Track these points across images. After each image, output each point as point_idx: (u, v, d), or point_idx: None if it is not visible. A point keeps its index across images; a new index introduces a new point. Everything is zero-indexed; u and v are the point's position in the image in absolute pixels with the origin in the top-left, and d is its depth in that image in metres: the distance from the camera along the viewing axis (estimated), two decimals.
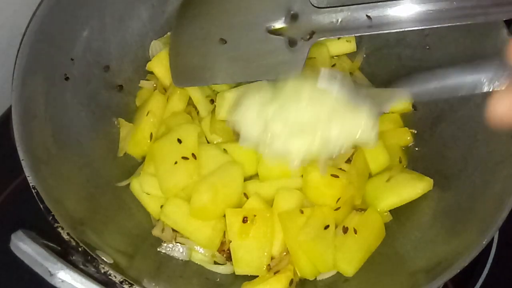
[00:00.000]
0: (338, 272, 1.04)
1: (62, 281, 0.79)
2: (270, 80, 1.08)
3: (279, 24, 1.09)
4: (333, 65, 1.23)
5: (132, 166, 1.15)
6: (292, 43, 1.08)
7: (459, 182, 1.06)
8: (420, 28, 1.02)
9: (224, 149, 1.08)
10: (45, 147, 0.99)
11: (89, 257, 0.86)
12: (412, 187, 1.08)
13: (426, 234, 1.04)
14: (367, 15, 1.04)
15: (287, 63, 1.07)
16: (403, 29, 1.03)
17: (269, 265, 1.03)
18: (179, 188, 1.05)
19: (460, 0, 0.98)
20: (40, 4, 1.04)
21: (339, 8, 1.06)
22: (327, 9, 1.07)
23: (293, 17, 1.09)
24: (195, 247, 1.07)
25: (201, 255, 1.07)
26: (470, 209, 1.00)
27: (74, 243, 0.87)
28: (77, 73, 1.11)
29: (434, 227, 1.04)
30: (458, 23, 0.99)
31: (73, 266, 0.82)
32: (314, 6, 1.08)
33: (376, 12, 1.03)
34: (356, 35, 1.19)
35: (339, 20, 1.06)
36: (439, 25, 1.00)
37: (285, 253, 1.05)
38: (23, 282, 1.11)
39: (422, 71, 0.83)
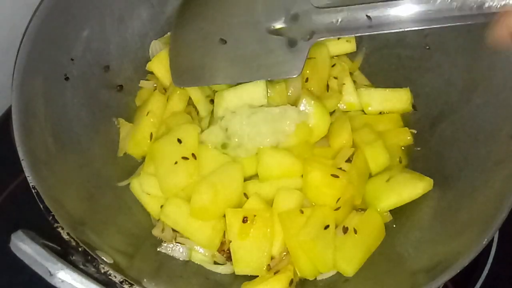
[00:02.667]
0: (338, 272, 1.04)
1: (62, 281, 0.79)
2: (270, 80, 1.09)
3: (279, 24, 1.09)
4: (333, 65, 1.23)
5: (132, 166, 1.15)
6: (292, 43, 1.08)
7: (459, 182, 1.06)
8: (420, 28, 1.02)
9: None
10: (45, 147, 0.99)
11: (89, 257, 0.86)
12: (412, 187, 1.08)
13: (426, 234, 1.04)
14: (367, 15, 1.03)
15: (287, 63, 1.07)
16: (403, 29, 1.03)
17: (269, 265, 1.03)
18: (179, 188, 1.05)
19: (460, 0, 0.98)
20: (40, 4, 1.05)
21: (339, 8, 1.06)
22: (327, 9, 1.07)
23: (293, 17, 1.09)
24: (195, 247, 1.07)
25: (201, 255, 1.07)
26: (470, 209, 1.00)
27: (74, 243, 0.87)
28: (77, 73, 1.12)
29: (434, 227, 1.04)
30: (458, 23, 0.99)
31: (73, 266, 0.82)
32: (314, 6, 1.08)
33: (376, 12, 1.03)
34: (356, 35, 1.19)
35: (339, 20, 1.06)
36: (439, 25, 1.00)
37: (285, 253, 1.05)
38: (23, 282, 1.11)
39: None
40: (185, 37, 1.13)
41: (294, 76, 1.08)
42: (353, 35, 1.22)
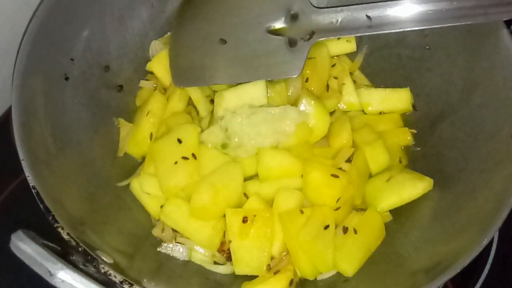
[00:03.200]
0: (338, 272, 1.04)
1: (62, 281, 0.79)
2: (270, 80, 1.09)
3: (279, 24, 1.09)
4: (333, 65, 1.23)
5: (132, 166, 1.15)
6: (292, 43, 1.08)
7: (459, 182, 1.06)
8: (420, 28, 1.02)
9: None
10: (45, 147, 0.99)
11: (89, 257, 0.86)
12: (412, 187, 1.08)
13: (426, 234, 1.05)
14: (367, 15, 1.04)
15: (287, 63, 1.07)
16: (403, 29, 1.03)
17: (269, 265, 1.03)
18: (179, 188, 1.05)
19: (460, 0, 0.98)
20: (40, 4, 1.05)
21: (339, 8, 1.06)
22: (327, 9, 1.07)
23: (293, 17, 1.09)
24: (195, 247, 1.07)
25: (201, 255, 1.07)
26: (470, 209, 1.00)
27: (74, 243, 0.87)
28: (77, 73, 1.11)
29: (434, 227, 1.05)
30: (458, 23, 0.99)
31: (73, 266, 0.82)
32: (314, 6, 1.08)
33: (376, 12, 1.03)
34: (356, 35, 1.19)
35: (339, 20, 1.06)
36: (439, 25, 1.00)
37: (285, 253, 1.05)
38: (23, 282, 1.11)
39: None
40: (185, 37, 1.13)
41: (294, 76, 1.08)
42: (353, 35, 1.22)
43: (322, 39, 1.08)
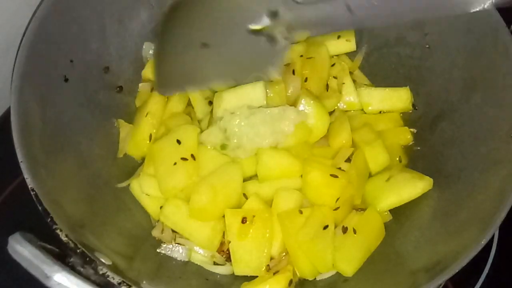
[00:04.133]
0: (337, 272, 1.04)
1: (58, 283, 0.79)
2: (255, 80, 1.08)
3: (260, 23, 1.07)
4: (333, 65, 1.23)
5: (132, 167, 1.15)
6: (273, 41, 1.07)
7: (458, 182, 1.06)
8: (404, 20, 1.00)
9: None
10: (44, 148, 0.99)
11: (88, 258, 0.86)
12: (412, 187, 1.08)
13: (426, 233, 1.04)
14: (348, 9, 1.00)
15: (269, 62, 1.07)
16: (390, 24, 1.01)
17: (268, 265, 1.03)
18: (179, 189, 1.05)
19: None
20: (40, 5, 1.05)
21: (320, 3, 1.02)
22: (307, 5, 1.04)
23: (273, 15, 1.06)
24: (194, 247, 1.07)
25: (200, 256, 1.08)
26: (470, 208, 1.00)
27: (72, 245, 0.87)
28: (77, 74, 1.11)
29: (434, 226, 1.04)
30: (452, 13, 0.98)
31: (71, 268, 0.82)
32: (294, 1, 1.06)
33: (358, 4, 0.99)
34: (339, 30, 1.18)
35: (320, 15, 1.04)
36: (424, 17, 0.98)
37: (284, 254, 1.05)
38: (21, 284, 1.11)
39: None
40: (168, 45, 1.11)
41: (276, 75, 1.07)
42: (337, 31, 1.20)
43: (304, 35, 1.07)
